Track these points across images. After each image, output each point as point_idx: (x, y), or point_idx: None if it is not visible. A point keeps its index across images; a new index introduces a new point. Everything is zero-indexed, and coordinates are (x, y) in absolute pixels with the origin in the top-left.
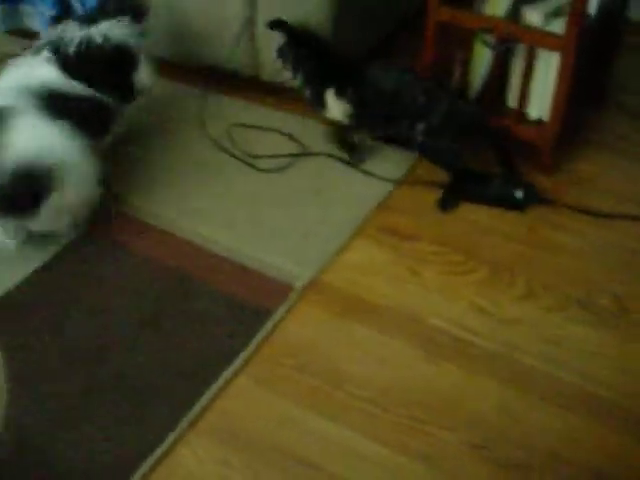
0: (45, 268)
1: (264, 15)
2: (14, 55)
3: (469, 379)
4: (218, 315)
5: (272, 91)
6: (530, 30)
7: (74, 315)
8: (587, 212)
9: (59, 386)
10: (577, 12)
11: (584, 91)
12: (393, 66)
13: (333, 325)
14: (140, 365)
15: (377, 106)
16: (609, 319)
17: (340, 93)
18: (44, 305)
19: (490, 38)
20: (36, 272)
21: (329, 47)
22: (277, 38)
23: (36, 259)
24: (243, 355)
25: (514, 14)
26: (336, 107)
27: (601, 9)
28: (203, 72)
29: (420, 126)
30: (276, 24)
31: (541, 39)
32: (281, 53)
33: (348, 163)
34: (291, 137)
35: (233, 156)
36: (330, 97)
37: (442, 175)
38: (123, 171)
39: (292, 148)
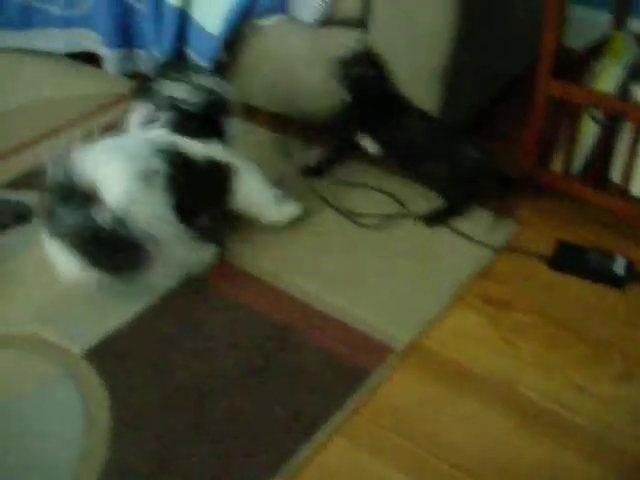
0: (147, 312)
1: None
2: (123, 96)
3: (560, 454)
4: (318, 371)
5: None
6: (638, 108)
7: (177, 360)
8: None
9: (161, 429)
10: None
11: None
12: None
13: (430, 389)
14: (241, 413)
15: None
16: None
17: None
18: (147, 348)
19: (598, 113)
20: (138, 316)
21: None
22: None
23: (138, 303)
24: (341, 412)
25: (624, 91)
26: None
27: None
28: (308, 125)
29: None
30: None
31: None
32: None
33: (448, 226)
34: (392, 196)
35: (338, 210)
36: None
37: (546, 245)
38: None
39: (393, 208)
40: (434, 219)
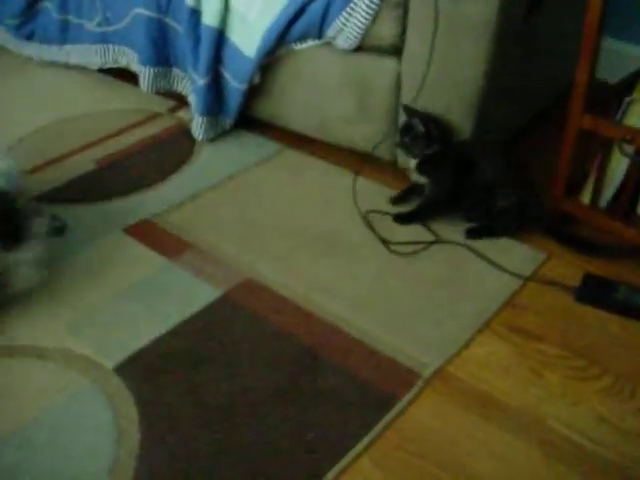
0: (179, 328)
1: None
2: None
3: None
4: (346, 395)
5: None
6: None
7: (208, 377)
8: None
9: (189, 444)
10: None
11: None
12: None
13: (456, 416)
14: (268, 433)
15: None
16: None
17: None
18: (178, 364)
19: (629, 148)
20: (170, 331)
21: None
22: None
23: (171, 319)
24: (367, 437)
25: None
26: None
27: None
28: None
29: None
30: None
31: None
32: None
33: (479, 254)
34: (424, 224)
35: (376, 235)
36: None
37: (573, 276)
38: (259, 240)
39: (425, 235)
40: (474, 234)
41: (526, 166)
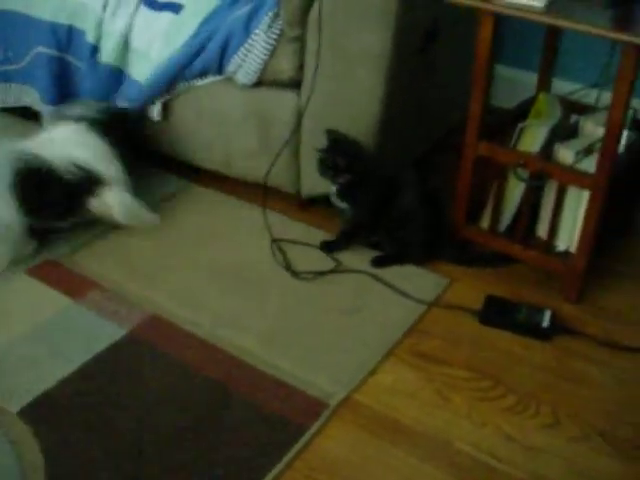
0: (85, 369)
1: (306, 136)
2: None
3: None
4: (254, 428)
5: (310, 207)
6: (561, 168)
7: (114, 415)
8: (612, 345)
9: None
10: (608, 154)
11: (612, 222)
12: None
13: (364, 444)
14: (179, 469)
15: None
16: (630, 451)
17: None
18: (84, 404)
19: (524, 172)
20: (76, 372)
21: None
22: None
23: (76, 359)
24: (276, 468)
25: (547, 151)
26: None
27: (629, 146)
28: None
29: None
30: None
31: (571, 177)
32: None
33: (383, 282)
34: (336, 261)
35: (280, 263)
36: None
37: (476, 300)
38: (166, 276)
39: (330, 263)
40: (380, 262)
41: (440, 193)
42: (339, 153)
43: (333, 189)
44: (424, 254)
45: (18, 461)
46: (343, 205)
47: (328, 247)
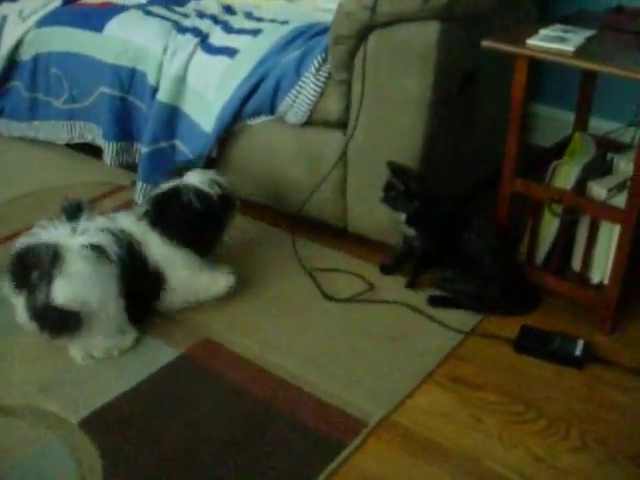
0: (142, 385)
1: (352, 176)
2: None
3: None
4: (296, 444)
5: (358, 242)
6: (593, 203)
7: (166, 431)
8: None
9: None
10: (637, 189)
11: None
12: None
13: (399, 461)
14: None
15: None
16: None
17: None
18: (139, 419)
19: (558, 208)
20: (134, 389)
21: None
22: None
23: (136, 377)
24: None
25: (580, 187)
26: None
27: None
28: (293, 217)
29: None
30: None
31: (603, 212)
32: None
33: (422, 312)
34: (372, 286)
35: (322, 293)
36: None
37: (510, 330)
38: (218, 302)
39: (368, 294)
40: (438, 302)
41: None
42: (408, 179)
43: (402, 217)
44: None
45: (77, 467)
46: (411, 232)
47: (385, 269)
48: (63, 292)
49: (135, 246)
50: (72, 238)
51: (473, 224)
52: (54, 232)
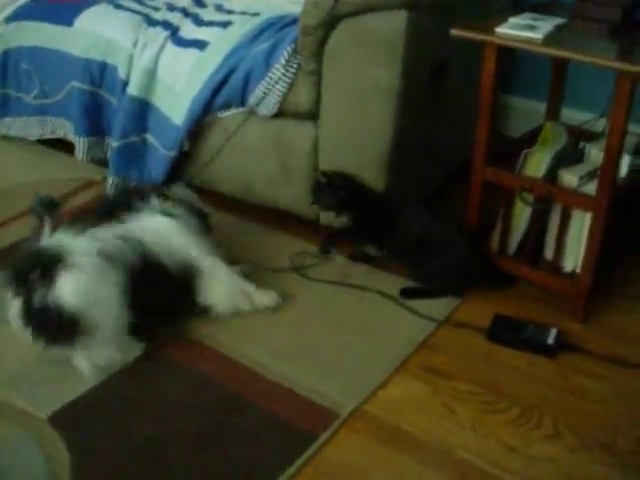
0: (110, 379)
1: (323, 166)
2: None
3: None
4: (266, 434)
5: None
6: (565, 191)
7: (136, 423)
8: (614, 361)
9: None
10: (607, 177)
11: (619, 243)
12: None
13: (372, 452)
14: (196, 472)
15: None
16: (630, 461)
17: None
18: (108, 413)
19: (529, 196)
20: (104, 383)
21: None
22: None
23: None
24: (287, 473)
25: (552, 175)
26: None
27: (632, 166)
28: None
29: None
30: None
31: (575, 200)
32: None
33: (396, 301)
34: (346, 276)
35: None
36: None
37: (483, 319)
38: None
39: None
40: (408, 294)
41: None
42: (334, 176)
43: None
44: (462, 285)
45: (46, 462)
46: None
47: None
48: (66, 290)
49: (150, 255)
50: (77, 242)
51: (408, 209)
52: (59, 236)
